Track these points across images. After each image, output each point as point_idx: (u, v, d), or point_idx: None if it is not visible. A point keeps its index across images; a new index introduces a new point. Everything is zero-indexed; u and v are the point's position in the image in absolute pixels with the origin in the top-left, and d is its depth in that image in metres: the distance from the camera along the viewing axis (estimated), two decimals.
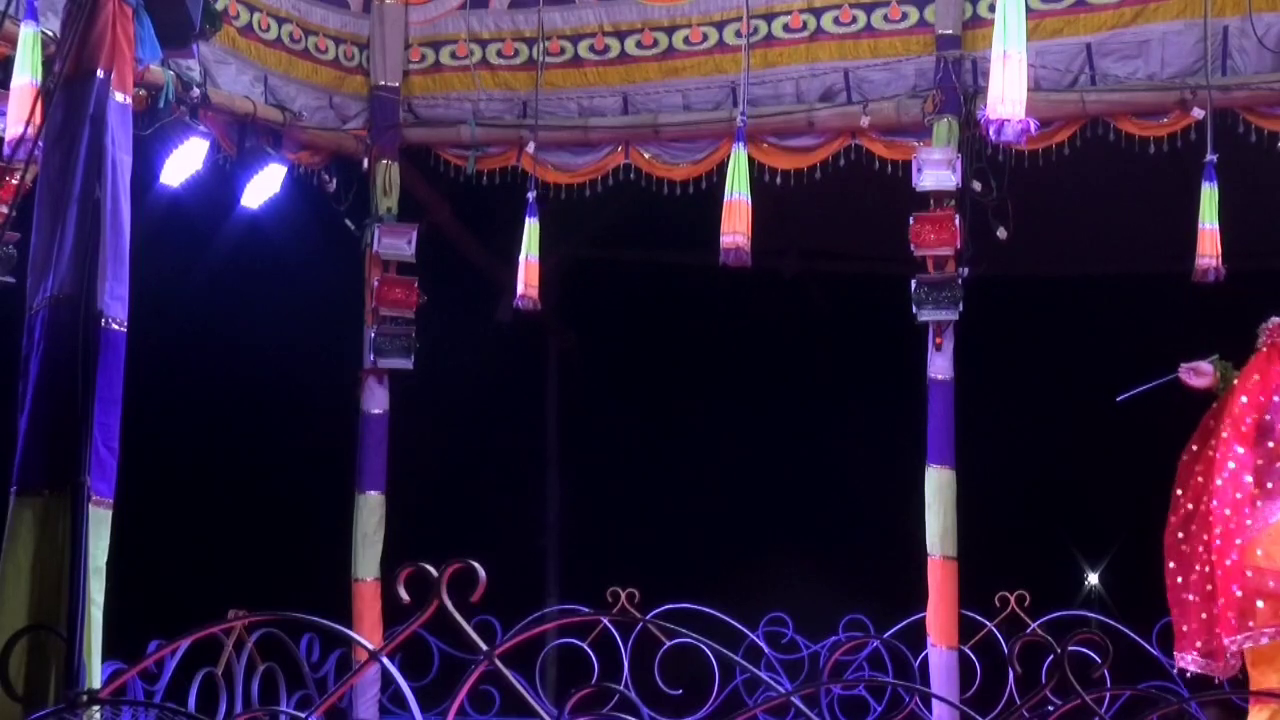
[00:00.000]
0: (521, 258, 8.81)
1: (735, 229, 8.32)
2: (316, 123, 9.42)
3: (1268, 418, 6.95)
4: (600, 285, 11.72)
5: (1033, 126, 5.54)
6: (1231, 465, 6.89)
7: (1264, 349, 7.15)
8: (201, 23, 5.32)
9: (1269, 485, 6.86)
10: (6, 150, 5.65)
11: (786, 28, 9.10)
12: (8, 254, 7.16)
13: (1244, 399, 7.00)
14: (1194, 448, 7.23)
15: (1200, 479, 7.11)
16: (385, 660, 3.53)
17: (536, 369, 12.45)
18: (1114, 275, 10.86)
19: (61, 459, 4.49)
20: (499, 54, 9.66)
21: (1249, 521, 6.80)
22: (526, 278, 8.82)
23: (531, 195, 9.01)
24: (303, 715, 3.66)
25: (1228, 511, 6.86)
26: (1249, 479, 6.88)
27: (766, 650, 9.71)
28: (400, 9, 9.71)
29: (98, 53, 4.72)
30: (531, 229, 8.86)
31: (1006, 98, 5.33)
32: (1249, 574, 6.70)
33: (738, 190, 8.33)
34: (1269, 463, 6.89)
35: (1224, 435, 6.97)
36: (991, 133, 5.47)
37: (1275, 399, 6.99)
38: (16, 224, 6.35)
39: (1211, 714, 6.74)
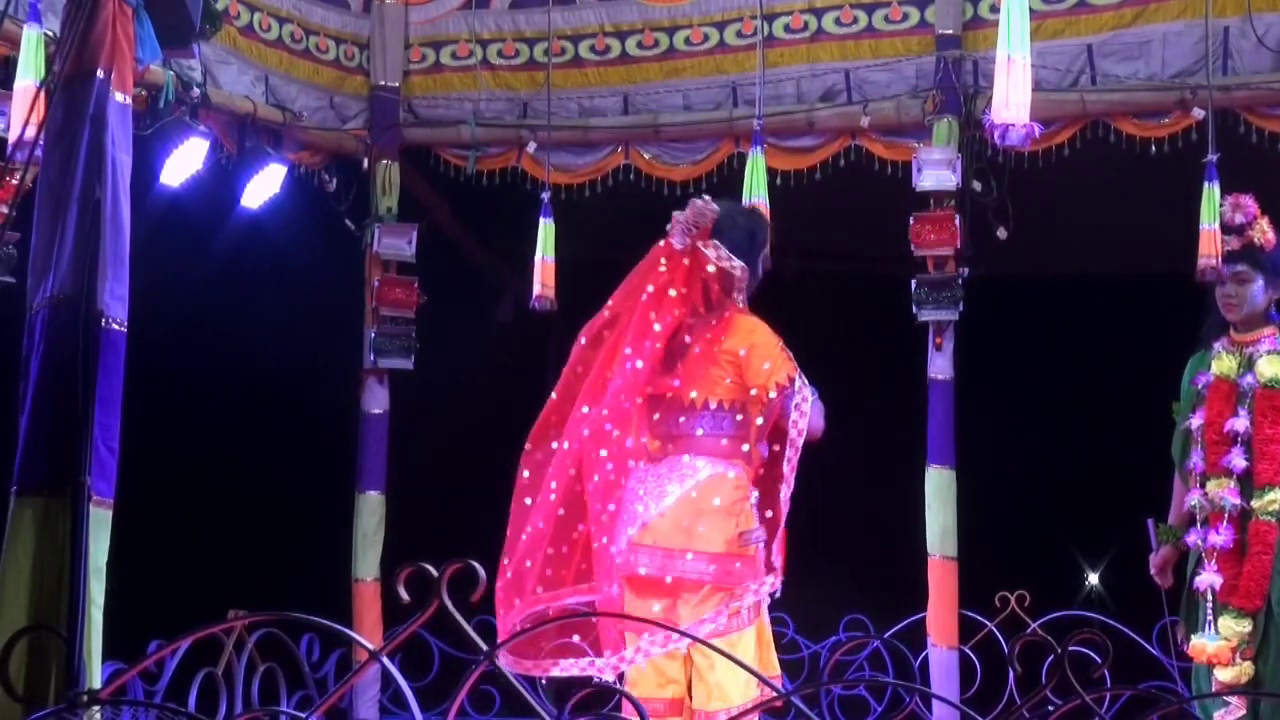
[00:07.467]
0: (537, 258, 8.80)
1: None
2: (316, 123, 9.43)
3: None
4: (600, 285, 11.67)
5: (1037, 130, 5.52)
6: None
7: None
8: (202, 23, 5.30)
9: None
10: (7, 151, 5.63)
11: (788, 28, 9.11)
12: (8, 254, 7.16)
13: None
14: None
15: None
16: (385, 660, 3.52)
17: (536, 369, 12.41)
18: (1114, 275, 10.84)
19: (61, 459, 4.47)
20: (500, 54, 9.66)
21: None
22: (544, 278, 8.78)
23: (546, 195, 9.00)
24: (303, 715, 3.65)
25: None
26: None
27: None
28: (400, 9, 9.71)
29: (98, 53, 4.70)
30: (547, 229, 8.83)
31: (1011, 102, 5.31)
32: None
33: (757, 193, 8.23)
34: None
35: None
36: (996, 137, 5.46)
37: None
38: (16, 224, 6.34)
39: None
